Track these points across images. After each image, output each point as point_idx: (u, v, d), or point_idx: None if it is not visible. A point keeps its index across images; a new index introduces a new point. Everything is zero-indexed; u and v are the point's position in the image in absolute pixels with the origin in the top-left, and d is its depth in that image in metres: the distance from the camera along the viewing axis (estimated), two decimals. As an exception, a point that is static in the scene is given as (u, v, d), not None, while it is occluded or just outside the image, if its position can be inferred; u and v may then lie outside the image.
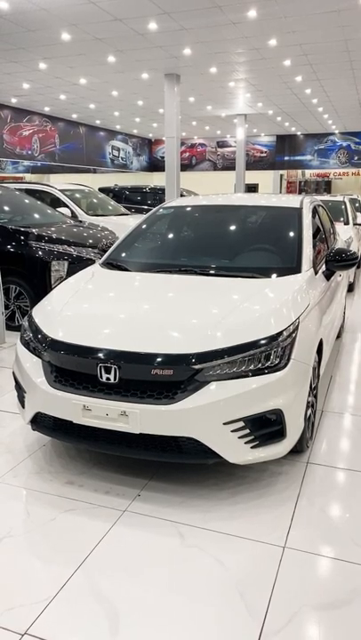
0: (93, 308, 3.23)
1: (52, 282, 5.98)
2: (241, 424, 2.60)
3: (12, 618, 2.02)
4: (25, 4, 7.81)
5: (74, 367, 2.78)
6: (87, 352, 2.74)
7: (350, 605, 2.07)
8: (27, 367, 2.98)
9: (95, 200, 10.53)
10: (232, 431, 2.59)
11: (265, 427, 2.68)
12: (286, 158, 24.67)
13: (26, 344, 3.09)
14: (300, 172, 25.57)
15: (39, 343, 2.96)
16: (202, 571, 2.26)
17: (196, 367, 2.59)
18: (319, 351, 3.31)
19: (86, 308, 3.22)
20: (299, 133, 23.80)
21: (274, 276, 3.38)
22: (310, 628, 1.98)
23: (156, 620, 2.01)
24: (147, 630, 1.96)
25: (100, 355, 2.69)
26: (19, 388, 3.13)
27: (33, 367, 2.94)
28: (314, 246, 3.74)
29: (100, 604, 2.08)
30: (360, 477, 2.99)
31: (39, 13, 8.18)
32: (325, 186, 24.97)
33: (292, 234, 3.80)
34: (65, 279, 5.93)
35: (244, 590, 2.14)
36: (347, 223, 8.97)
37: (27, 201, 7.55)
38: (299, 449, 3.07)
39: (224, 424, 2.57)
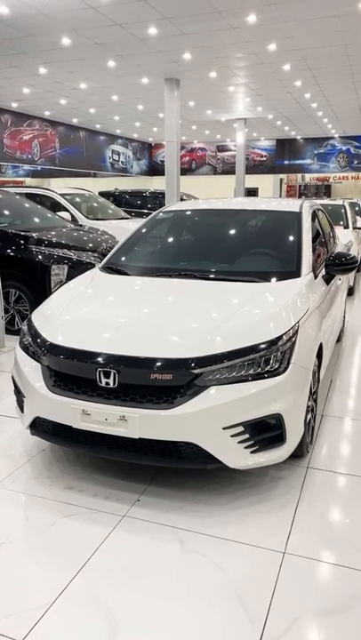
0: (93, 312, 3.23)
1: (52, 286, 5.98)
2: (241, 429, 2.59)
3: (11, 625, 2.00)
4: (25, 9, 7.84)
5: (73, 372, 2.78)
6: (86, 356, 2.73)
7: (351, 611, 2.06)
8: (26, 371, 2.97)
9: (95, 204, 10.55)
10: (232, 436, 2.58)
11: (265, 431, 2.67)
12: (286, 162, 24.72)
13: (25, 348, 3.08)
14: (299, 175, 25.62)
15: (38, 347, 2.95)
16: (202, 577, 2.25)
17: (196, 372, 2.58)
18: (319, 355, 3.30)
19: (86, 313, 3.22)
20: (299, 137, 23.86)
21: (273, 280, 3.38)
22: (311, 635, 1.96)
23: (155, 626, 2.00)
24: (146, 637, 1.95)
25: (100, 359, 2.68)
26: (18, 392, 3.12)
27: (32, 371, 2.93)
28: (313, 250, 3.73)
29: (98, 611, 2.07)
30: (360, 482, 2.98)
31: (39, 18, 8.21)
32: (325, 190, 25.01)
33: (291, 238, 3.79)
34: (65, 283, 5.94)
35: (244, 596, 2.13)
36: (347, 227, 8.98)
37: (27, 205, 7.56)
38: (299, 453, 3.05)
39: (224, 429, 2.56)
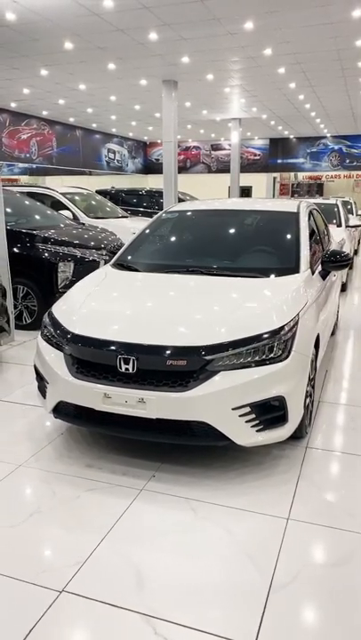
0: (111, 304, 3.50)
1: (59, 282, 6.23)
2: (248, 409, 2.88)
3: (49, 578, 2.28)
4: (30, 15, 8.05)
5: (95, 359, 3.05)
6: (107, 345, 3.00)
7: (348, 565, 2.36)
8: (48, 360, 3.23)
9: (94, 202, 10.75)
10: (240, 416, 2.87)
11: (269, 412, 2.96)
12: (279, 161, 25.00)
13: (47, 339, 3.34)
14: (292, 174, 25.92)
15: (61, 338, 3.21)
16: (214, 539, 2.54)
17: (207, 358, 2.86)
18: (316, 345, 3.60)
19: (104, 305, 3.48)
20: (292, 137, 24.15)
21: (274, 275, 3.67)
22: (313, 583, 2.26)
23: (176, 578, 2.28)
24: (169, 586, 2.24)
25: (120, 347, 2.96)
26: (40, 379, 3.38)
27: (55, 360, 3.19)
28: (310, 248, 4.02)
29: (125, 567, 2.35)
30: (353, 459, 3.28)
31: (44, 24, 8.43)
32: (318, 188, 25.32)
33: (290, 236, 4.08)
34: (71, 280, 6.20)
35: (253, 554, 2.42)
36: (340, 225, 9.25)
37: (30, 204, 7.78)
38: (299, 435, 3.34)
39: (233, 409, 2.85)
